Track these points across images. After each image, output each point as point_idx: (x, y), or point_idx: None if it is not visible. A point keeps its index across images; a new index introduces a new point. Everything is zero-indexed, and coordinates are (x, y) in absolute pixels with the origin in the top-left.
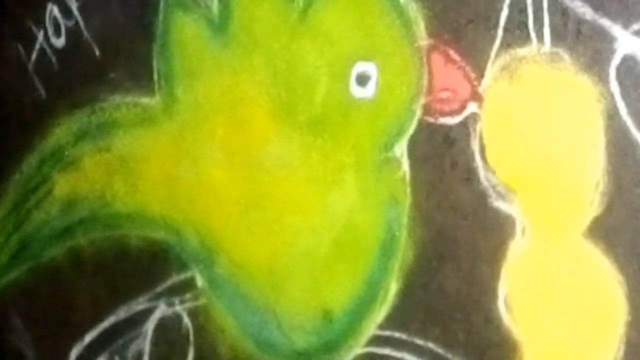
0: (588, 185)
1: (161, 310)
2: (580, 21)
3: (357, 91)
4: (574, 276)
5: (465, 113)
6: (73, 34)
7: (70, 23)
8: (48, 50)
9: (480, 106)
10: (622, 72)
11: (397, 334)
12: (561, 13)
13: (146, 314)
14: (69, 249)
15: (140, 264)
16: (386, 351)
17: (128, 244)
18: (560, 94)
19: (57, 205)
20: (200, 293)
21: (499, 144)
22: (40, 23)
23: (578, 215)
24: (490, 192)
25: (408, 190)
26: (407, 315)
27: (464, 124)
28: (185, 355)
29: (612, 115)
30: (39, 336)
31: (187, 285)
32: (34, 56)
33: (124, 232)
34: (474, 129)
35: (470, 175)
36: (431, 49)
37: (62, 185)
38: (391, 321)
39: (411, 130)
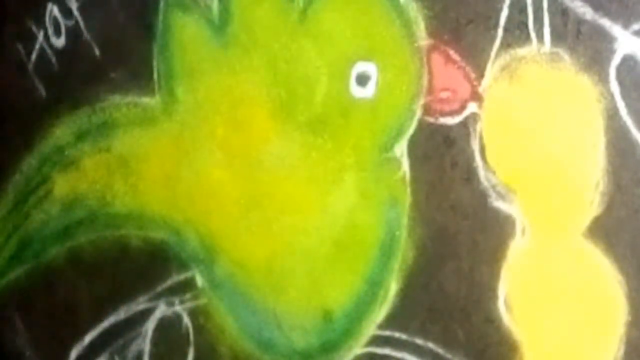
0: (588, 185)
1: (161, 310)
2: (580, 21)
3: (357, 91)
4: (574, 276)
5: (465, 113)
6: (73, 34)
7: (70, 23)
8: (48, 50)
9: (480, 106)
10: (622, 72)
11: (397, 334)
12: (561, 13)
13: (146, 314)
14: (69, 249)
15: (140, 264)
16: (386, 351)
17: (128, 244)
18: (560, 94)
19: (57, 205)
20: (200, 293)
21: (499, 144)
22: (40, 23)
23: (578, 215)
24: (490, 192)
25: (408, 190)
26: (407, 315)
27: (464, 124)
28: (185, 355)
29: (612, 115)
30: (39, 336)
31: (187, 285)
32: (34, 56)
33: (123, 232)
34: (474, 129)
35: (470, 175)
36: (431, 49)
37: (62, 185)
38: (391, 321)
39: (411, 130)
